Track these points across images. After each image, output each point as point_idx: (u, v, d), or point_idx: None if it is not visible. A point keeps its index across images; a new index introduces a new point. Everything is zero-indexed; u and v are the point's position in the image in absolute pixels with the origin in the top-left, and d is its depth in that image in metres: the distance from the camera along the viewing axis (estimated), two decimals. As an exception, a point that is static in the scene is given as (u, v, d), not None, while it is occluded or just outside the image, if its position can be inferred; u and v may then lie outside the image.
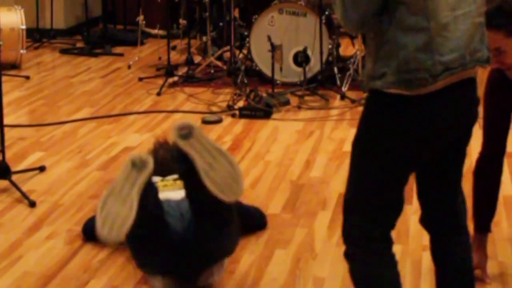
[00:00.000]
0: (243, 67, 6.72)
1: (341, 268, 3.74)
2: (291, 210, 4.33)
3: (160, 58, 7.62)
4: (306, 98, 6.34)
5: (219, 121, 5.85)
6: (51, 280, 3.64)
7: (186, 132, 3.18)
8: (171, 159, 3.82)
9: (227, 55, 7.22)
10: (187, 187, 3.34)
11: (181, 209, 3.49)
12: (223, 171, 3.16)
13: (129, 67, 7.49)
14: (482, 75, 5.71)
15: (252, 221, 4.06)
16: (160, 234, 3.36)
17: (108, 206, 3.13)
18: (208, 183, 3.15)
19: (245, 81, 6.55)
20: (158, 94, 6.57)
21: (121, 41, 8.48)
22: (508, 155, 5.04)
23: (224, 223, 3.38)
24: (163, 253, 3.37)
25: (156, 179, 3.80)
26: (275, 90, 6.29)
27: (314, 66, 6.59)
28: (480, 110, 2.69)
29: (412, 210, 4.27)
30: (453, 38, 2.46)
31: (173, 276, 3.44)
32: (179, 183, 3.68)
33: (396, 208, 2.64)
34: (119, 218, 3.12)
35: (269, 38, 6.32)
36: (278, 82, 6.53)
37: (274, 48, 6.30)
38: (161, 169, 3.84)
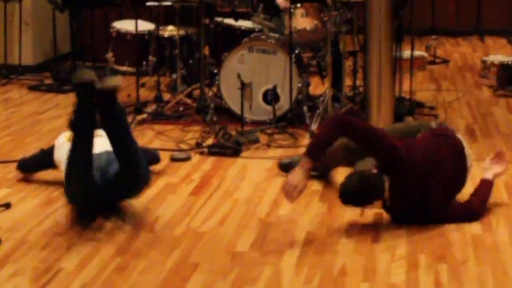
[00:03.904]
0: (212, 105, 6.72)
1: (309, 307, 3.73)
2: (259, 248, 4.31)
3: (129, 95, 7.61)
4: (275, 136, 6.35)
5: (187, 158, 5.84)
6: (15, 318, 3.60)
7: None
8: None
9: (196, 92, 7.23)
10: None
11: (101, 162, 4.61)
12: None
13: (98, 104, 7.45)
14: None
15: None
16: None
17: None
18: None
19: (215, 118, 6.55)
20: (127, 131, 6.53)
21: (90, 78, 8.45)
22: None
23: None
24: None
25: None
26: (245, 128, 6.29)
27: (284, 104, 6.61)
28: None
29: (379, 248, 4.27)
30: None
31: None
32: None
33: None
34: None
35: (238, 76, 6.33)
36: (247, 120, 6.54)
37: (243, 86, 6.31)
38: None
